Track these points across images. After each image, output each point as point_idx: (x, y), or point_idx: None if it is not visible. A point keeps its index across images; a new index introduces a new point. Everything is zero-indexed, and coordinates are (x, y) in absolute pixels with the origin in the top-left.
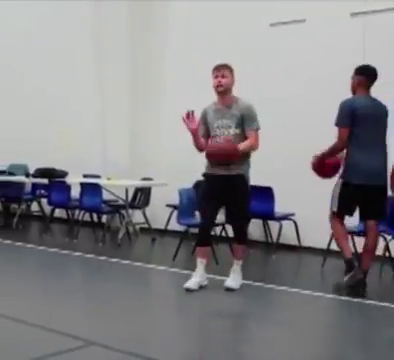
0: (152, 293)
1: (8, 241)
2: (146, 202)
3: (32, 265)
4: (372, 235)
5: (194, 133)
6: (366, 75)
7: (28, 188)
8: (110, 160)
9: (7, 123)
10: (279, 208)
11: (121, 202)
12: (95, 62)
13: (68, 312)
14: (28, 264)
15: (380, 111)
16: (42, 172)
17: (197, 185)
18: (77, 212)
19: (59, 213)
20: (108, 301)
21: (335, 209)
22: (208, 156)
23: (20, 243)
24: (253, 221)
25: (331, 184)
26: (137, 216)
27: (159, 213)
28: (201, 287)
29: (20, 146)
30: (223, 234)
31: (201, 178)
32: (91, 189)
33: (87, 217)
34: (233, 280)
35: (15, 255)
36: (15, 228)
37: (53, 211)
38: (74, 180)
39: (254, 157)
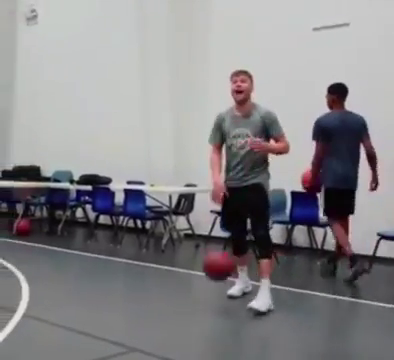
0: (195, 300)
1: (53, 247)
2: (190, 208)
3: (76, 271)
4: (347, 227)
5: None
6: (339, 93)
7: (73, 195)
8: (154, 166)
9: (52, 131)
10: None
11: (165, 208)
12: (138, 68)
13: (111, 318)
14: (73, 270)
15: (353, 124)
16: (86, 179)
17: None
18: (121, 218)
19: (103, 219)
20: (151, 307)
21: (326, 214)
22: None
23: (65, 249)
24: (298, 227)
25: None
26: (181, 222)
27: (203, 219)
28: (244, 293)
29: (65, 153)
30: None
31: None
32: (135, 195)
33: (131, 223)
34: (258, 300)
35: (60, 261)
36: (60, 234)
37: (97, 217)
38: (118, 187)
39: (298, 162)
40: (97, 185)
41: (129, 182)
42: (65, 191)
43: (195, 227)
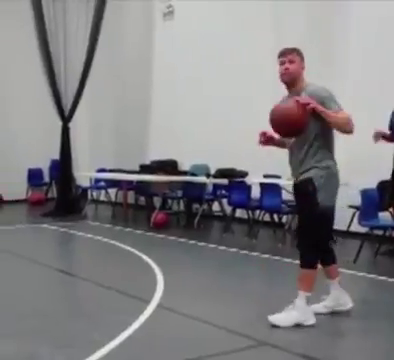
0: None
1: (189, 240)
2: None
3: (212, 264)
4: None
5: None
6: None
7: (209, 188)
8: None
9: (189, 125)
10: None
11: None
12: (273, 63)
13: (243, 312)
14: (208, 263)
15: None
16: (223, 172)
17: (381, 185)
18: (257, 212)
19: (240, 213)
20: (284, 303)
21: None
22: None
23: (201, 243)
24: None
25: None
26: None
27: (341, 214)
28: (334, 312)
29: (201, 147)
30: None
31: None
32: (271, 189)
33: (267, 217)
34: (282, 313)
35: (196, 254)
36: (196, 228)
37: (234, 211)
38: (254, 180)
39: None
40: (233, 179)
41: (265, 176)
42: (202, 185)
43: None
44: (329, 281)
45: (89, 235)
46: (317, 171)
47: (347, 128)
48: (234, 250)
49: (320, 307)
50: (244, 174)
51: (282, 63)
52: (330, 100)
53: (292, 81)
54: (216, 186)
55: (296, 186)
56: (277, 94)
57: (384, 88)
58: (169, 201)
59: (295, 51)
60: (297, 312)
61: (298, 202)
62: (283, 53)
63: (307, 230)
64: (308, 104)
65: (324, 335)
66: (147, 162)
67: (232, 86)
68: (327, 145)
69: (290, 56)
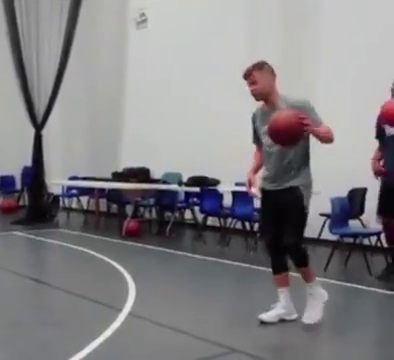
0: (300, 304)
1: (161, 248)
2: None
3: (183, 272)
4: None
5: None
6: None
7: (181, 196)
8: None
9: (162, 133)
10: None
11: None
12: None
13: (215, 320)
14: (180, 271)
15: None
16: (195, 180)
17: (352, 193)
18: (229, 220)
19: (211, 221)
20: (255, 310)
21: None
22: (270, 136)
23: (173, 250)
24: None
25: None
26: None
27: (312, 222)
28: (283, 320)
29: (174, 155)
30: (378, 244)
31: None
32: (243, 197)
33: (239, 225)
34: (308, 311)
35: (168, 262)
36: (168, 236)
37: (205, 219)
38: (226, 188)
39: None
40: (205, 187)
41: (237, 184)
42: (174, 193)
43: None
44: (283, 289)
45: (60, 243)
46: (301, 180)
47: (331, 140)
48: (206, 258)
49: (273, 316)
50: (216, 182)
51: (248, 85)
52: (312, 110)
53: (264, 97)
54: (188, 194)
55: (281, 192)
56: (251, 103)
57: (355, 101)
58: (141, 209)
59: (255, 68)
60: (319, 300)
61: (286, 206)
62: (245, 76)
63: (299, 230)
64: (307, 125)
65: (294, 342)
66: (120, 170)
67: (205, 95)
68: (307, 153)
69: (251, 77)
